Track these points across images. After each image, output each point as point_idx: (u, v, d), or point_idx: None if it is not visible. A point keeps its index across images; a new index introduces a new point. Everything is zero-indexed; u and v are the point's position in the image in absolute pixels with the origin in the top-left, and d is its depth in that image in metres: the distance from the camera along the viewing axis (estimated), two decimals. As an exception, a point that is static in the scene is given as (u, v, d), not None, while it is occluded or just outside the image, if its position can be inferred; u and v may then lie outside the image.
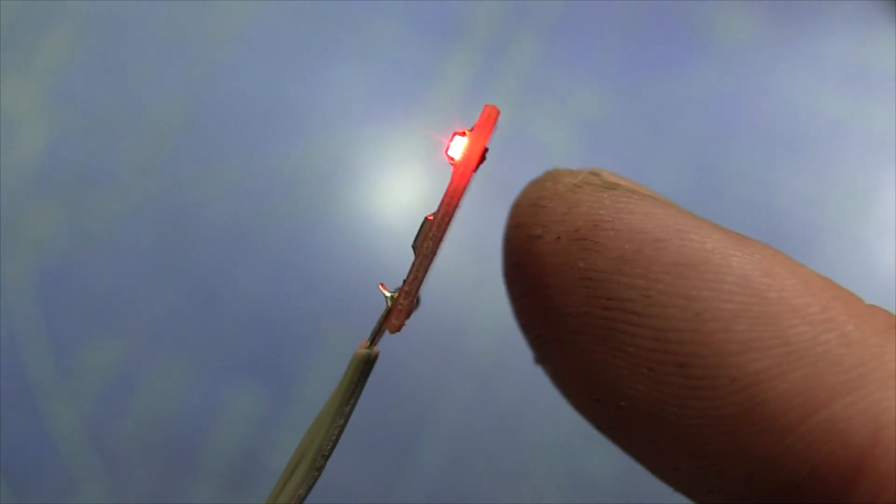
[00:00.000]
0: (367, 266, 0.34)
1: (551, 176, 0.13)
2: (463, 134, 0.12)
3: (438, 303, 0.33)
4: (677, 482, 0.12)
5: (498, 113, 0.12)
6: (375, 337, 0.13)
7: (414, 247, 0.12)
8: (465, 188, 0.12)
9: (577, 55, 0.36)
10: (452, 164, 0.12)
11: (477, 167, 0.12)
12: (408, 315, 0.12)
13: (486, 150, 0.12)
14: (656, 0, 0.36)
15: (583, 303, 0.12)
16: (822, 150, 0.35)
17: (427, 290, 0.13)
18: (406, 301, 0.12)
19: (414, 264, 0.12)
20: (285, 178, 0.35)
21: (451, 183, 0.12)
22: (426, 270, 0.12)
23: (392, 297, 0.12)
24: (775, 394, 0.11)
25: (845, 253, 0.33)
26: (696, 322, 0.11)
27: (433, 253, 0.12)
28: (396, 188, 0.35)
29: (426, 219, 0.12)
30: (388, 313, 0.12)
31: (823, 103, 0.35)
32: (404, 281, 0.12)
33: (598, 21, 0.36)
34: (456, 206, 0.12)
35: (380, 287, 0.13)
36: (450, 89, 0.35)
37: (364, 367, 0.13)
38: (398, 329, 0.12)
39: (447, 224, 0.12)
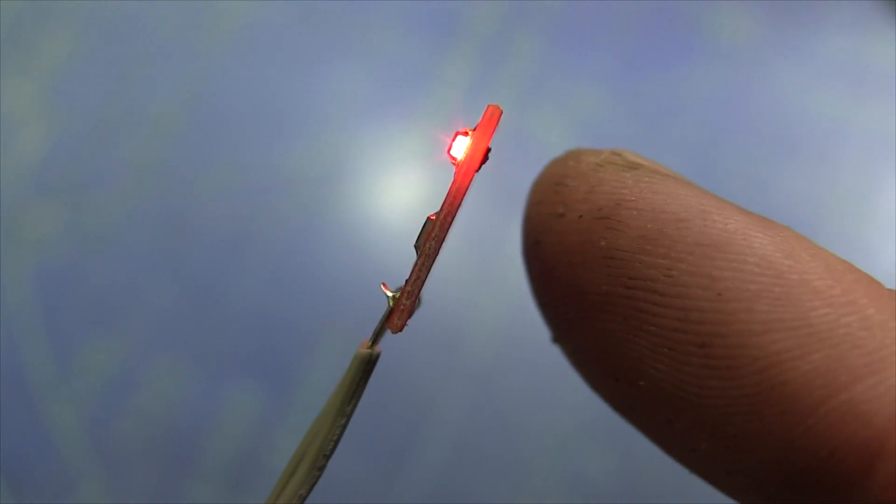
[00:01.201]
0: (367, 266, 0.34)
1: (573, 155, 0.13)
2: (465, 133, 0.12)
3: (438, 302, 0.33)
4: (696, 463, 0.13)
5: (501, 113, 0.12)
6: (377, 337, 0.13)
7: (416, 247, 0.12)
8: (467, 188, 0.12)
9: (577, 55, 0.36)
10: (455, 164, 0.12)
11: (479, 167, 0.12)
12: (410, 315, 0.12)
13: (488, 149, 0.12)
14: (656, 0, 0.36)
15: (605, 281, 0.12)
16: (821, 150, 0.35)
17: (427, 290, 0.13)
18: (408, 301, 0.12)
19: (416, 264, 0.12)
20: (285, 177, 0.35)
21: (453, 183, 0.12)
22: (428, 270, 0.12)
23: (394, 296, 0.12)
24: (797, 374, 0.11)
25: (845, 253, 0.33)
26: (719, 302, 0.11)
27: (435, 253, 0.12)
28: (396, 188, 0.35)
29: (428, 218, 0.12)
30: (390, 313, 0.12)
31: (823, 103, 0.35)
32: (406, 281, 0.12)
33: (598, 21, 0.36)
34: (458, 206, 0.12)
35: (382, 287, 0.13)
36: (450, 89, 0.35)
37: (366, 366, 0.13)
38: (400, 329, 0.12)
39: (449, 224, 0.12)
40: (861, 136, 0.35)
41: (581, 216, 0.12)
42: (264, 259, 0.34)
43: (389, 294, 0.12)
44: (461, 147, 0.12)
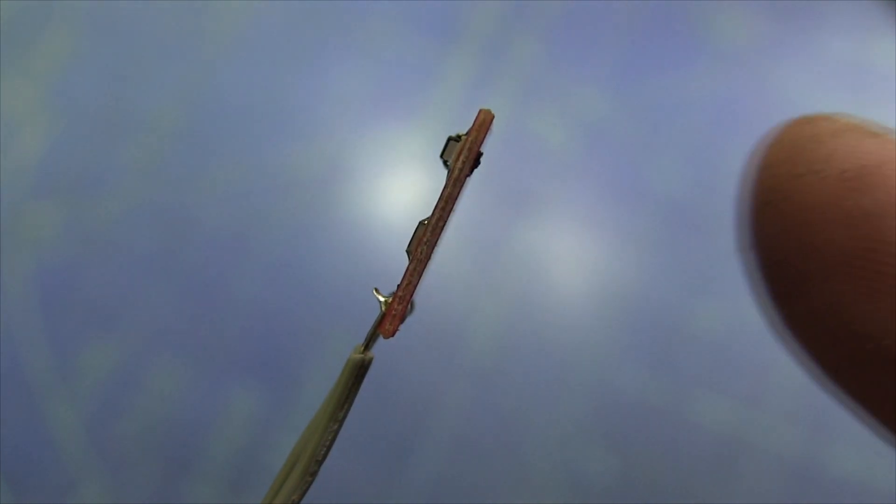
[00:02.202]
0: (366, 267, 0.34)
1: (808, 120, 0.13)
2: (457, 138, 0.12)
3: (438, 304, 0.33)
4: None
5: (492, 117, 0.12)
6: (369, 341, 0.13)
7: (408, 251, 0.12)
8: (459, 193, 0.12)
9: (577, 55, 0.36)
10: (447, 169, 0.12)
11: (471, 172, 0.12)
12: (402, 320, 0.12)
13: (480, 154, 0.12)
14: (656, 0, 0.36)
15: (850, 240, 0.12)
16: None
17: (426, 292, 0.13)
18: (400, 306, 0.12)
19: (408, 269, 0.12)
20: (284, 179, 0.35)
21: (445, 187, 0.12)
22: (420, 275, 0.12)
23: (386, 301, 0.12)
24: None
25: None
26: None
27: (427, 257, 0.12)
28: (396, 190, 0.35)
29: (420, 223, 0.12)
30: (382, 318, 0.12)
31: (823, 103, 0.35)
32: (398, 286, 0.12)
33: (598, 21, 0.36)
34: (451, 211, 0.12)
35: (374, 292, 0.13)
36: (449, 89, 0.35)
37: (358, 371, 0.13)
38: (392, 334, 0.12)
39: (441, 228, 0.12)
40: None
41: (823, 177, 0.12)
42: (264, 259, 0.34)
43: (381, 299, 0.12)
44: (453, 152, 0.12)
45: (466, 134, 0.12)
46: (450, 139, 0.12)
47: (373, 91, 0.36)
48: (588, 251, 0.34)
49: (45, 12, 0.36)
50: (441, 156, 0.12)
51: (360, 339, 0.13)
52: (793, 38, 0.36)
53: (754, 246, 0.13)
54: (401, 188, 0.35)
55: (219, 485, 0.32)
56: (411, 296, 0.12)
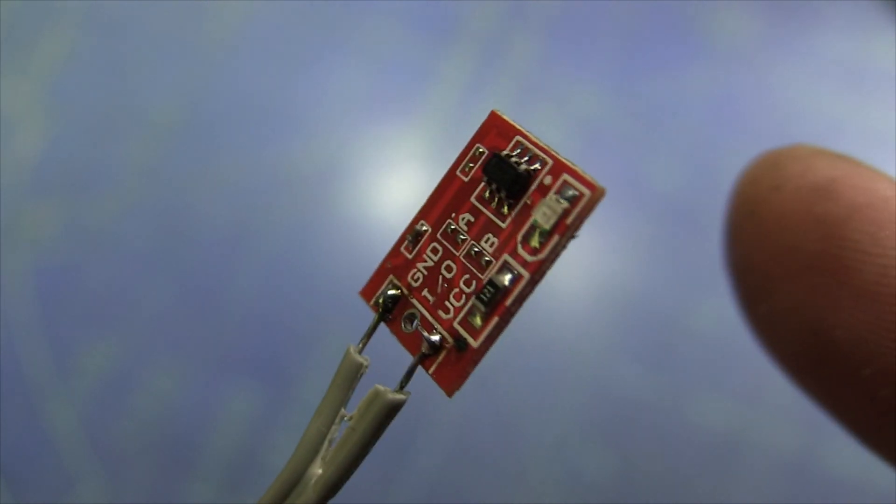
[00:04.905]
0: (366, 266, 0.34)
1: (787, 147, 0.15)
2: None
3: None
4: (868, 413, 0.14)
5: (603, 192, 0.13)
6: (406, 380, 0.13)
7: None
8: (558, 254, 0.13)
9: (576, 55, 0.36)
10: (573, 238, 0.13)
11: (568, 243, 0.13)
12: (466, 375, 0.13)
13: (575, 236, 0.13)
14: (656, 0, 0.36)
15: (818, 241, 0.14)
16: (821, 149, 0.35)
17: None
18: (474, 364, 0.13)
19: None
20: (284, 177, 0.35)
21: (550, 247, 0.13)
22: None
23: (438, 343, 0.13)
24: None
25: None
26: None
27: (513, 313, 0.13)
28: (395, 188, 0.35)
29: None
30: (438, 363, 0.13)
31: (823, 103, 0.35)
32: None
33: (597, 21, 0.36)
34: (549, 266, 0.13)
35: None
36: (449, 89, 0.35)
37: (389, 412, 0.13)
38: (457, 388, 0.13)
39: (537, 282, 0.13)
40: (861, 135, 0.35)
41: (798, 186, 0.14)
42: (263, 259, 0.34)
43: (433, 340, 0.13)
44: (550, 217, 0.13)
45: (570, 204, 0.13)
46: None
47: (372, 91, 0.36)
48: (587, 250, 0.34)
49: (44, 12, 0.36)
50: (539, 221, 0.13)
51: (358, 339, 0.13)
52: (793, 37, 0.36)
53: (731, 252, 0.15)
54: (400, 187, 0.35)
55: (217, 484, 0.32)
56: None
